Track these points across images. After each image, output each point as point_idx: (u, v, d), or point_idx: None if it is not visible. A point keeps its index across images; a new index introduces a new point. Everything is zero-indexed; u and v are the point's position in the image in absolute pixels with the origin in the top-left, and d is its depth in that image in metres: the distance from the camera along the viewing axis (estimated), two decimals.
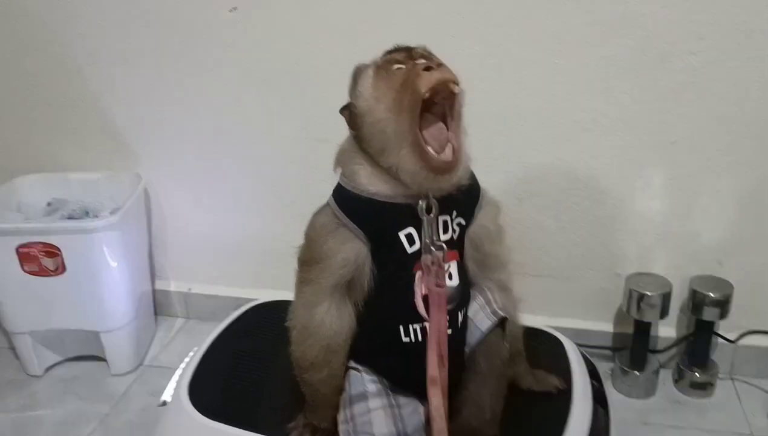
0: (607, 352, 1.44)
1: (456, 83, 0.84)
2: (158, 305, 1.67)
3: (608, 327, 1.45)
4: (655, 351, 1.40)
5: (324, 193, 0.94)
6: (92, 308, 1.39)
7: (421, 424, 0.95)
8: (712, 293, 1.26)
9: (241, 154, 1.48)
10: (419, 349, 0.92)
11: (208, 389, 1.14)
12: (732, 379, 1.40)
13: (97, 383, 1.45)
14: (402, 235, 0.92)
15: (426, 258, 0.90)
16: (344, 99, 0.90)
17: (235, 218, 1.55)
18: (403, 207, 0.90)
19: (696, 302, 1.28)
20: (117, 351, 1.45)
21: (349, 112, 0.92)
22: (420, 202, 0.89)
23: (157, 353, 1.55)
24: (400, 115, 0.84)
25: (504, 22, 1.24)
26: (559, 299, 1.44)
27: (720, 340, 1.37)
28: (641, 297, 1.27)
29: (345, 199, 0.93)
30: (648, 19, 1.19)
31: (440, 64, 0.84)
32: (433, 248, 0.91)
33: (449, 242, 0.94)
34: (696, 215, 1.32)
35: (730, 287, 1.28)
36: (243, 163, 1.49)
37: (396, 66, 0.87)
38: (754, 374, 1.39)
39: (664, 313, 1.29)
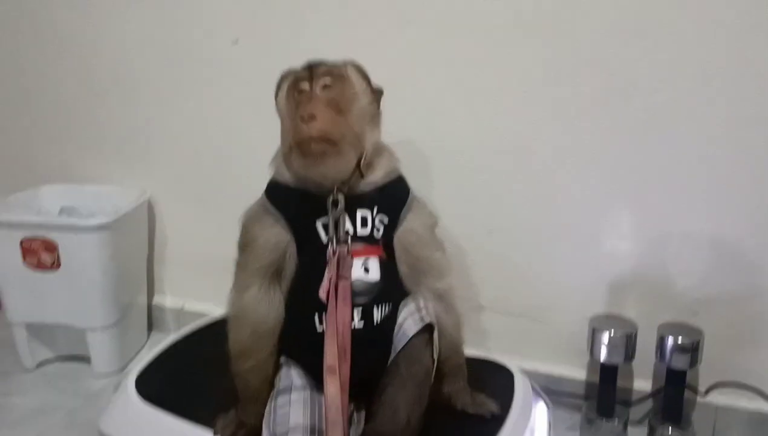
0: (579, 401, 1.37)
1: (324, 136, 0.89)
2: (154, 320, 1.75)
3: (581, 375, 1.38)
4: (627, 404, 1.32)
5: None
6: (80, 304, 1.47)
7: None
8: (680, 338, 1.20)
9: (242, 176, 1.57)
10: None
11: (156, 381, 1.19)
12: None
13: (78, 381, 1.52)
14: (319, 223, 0.96)
15: (330, 251, 0.94)
16: None
17: (231, 238, 1.63)
18: (318, 197, 0.95)
19: (663, 347, 1.22)
20: (100, 351, 1.52)
21: None
22: (330, 196, 0.94)
23: None
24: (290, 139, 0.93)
25: (473, 57, 1.30)
26: (530, 341, 1.40)
27: (699, 399, 1.29)
28: (604, 337, 1.23)
29: (271, 187, 1.01)
30: (610, 57, 1.21)
31: (312, 116, 0.89)
32: (335, 241, 0.94)
33: (369, 238, 0.98)
34: (667, 261, 1.27)
35: (700, 333, 1.21)
36: (243, 186, 1.56)
37: (302, 84, 0.96)
38: None
39: (629, 356, 1.24)
